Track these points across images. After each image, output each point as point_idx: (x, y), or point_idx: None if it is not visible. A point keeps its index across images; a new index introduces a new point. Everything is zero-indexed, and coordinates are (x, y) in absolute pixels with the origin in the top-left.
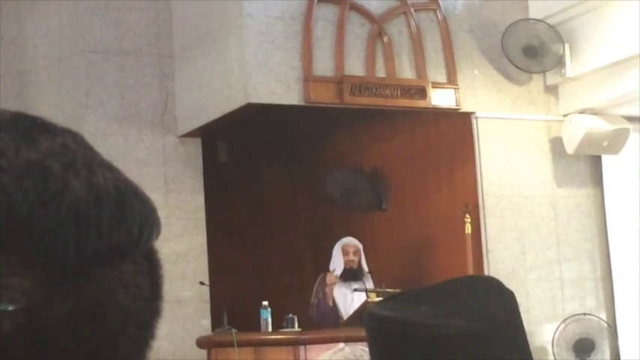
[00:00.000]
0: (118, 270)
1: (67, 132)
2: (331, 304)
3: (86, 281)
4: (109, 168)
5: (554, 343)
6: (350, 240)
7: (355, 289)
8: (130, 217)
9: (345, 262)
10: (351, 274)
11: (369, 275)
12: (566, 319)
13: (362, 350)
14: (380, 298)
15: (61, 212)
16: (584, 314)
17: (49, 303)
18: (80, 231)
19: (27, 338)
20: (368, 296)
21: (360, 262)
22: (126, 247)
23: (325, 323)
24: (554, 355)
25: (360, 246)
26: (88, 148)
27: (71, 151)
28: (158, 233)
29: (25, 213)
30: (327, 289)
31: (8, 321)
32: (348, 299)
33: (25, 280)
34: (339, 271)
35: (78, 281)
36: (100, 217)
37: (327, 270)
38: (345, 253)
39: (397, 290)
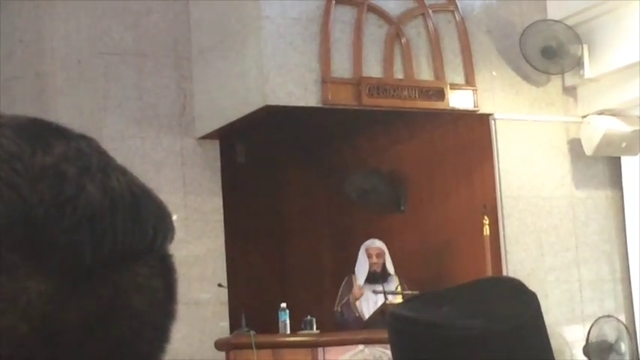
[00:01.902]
0: (132, 273)
1: (82, 137)
2: (357, 314)
3: (101, 284)
4: (124, 172)
5: (575, 345)
6: (372, 242)
7: (374, 291)
8: (145, 220)
9: (369, 266)
10: (374, 278)
11: (394, 277)
12: (585, 321)
13: (381, 352)
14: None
15: (76, 215)
16: (609, 316)
17: (64, 306)
18: (95, 234)
19: (43, 341)
20: (386, 298)
21: (384, 264)
22: (140, 249)
23: (349, 329)
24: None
25: (384, 247)
26: (102, 153)
27: (86, 155)
28: (172, 237)
29: (40, 216)
30: (352, 299)
31: (24, 324)
32: (372, 303)
33: (41, 284)
34: (362, 277)
35: (93, 284)
36: (115, 220)
37: (352, 272)
38: (368, 256)
39: (415, 292)
